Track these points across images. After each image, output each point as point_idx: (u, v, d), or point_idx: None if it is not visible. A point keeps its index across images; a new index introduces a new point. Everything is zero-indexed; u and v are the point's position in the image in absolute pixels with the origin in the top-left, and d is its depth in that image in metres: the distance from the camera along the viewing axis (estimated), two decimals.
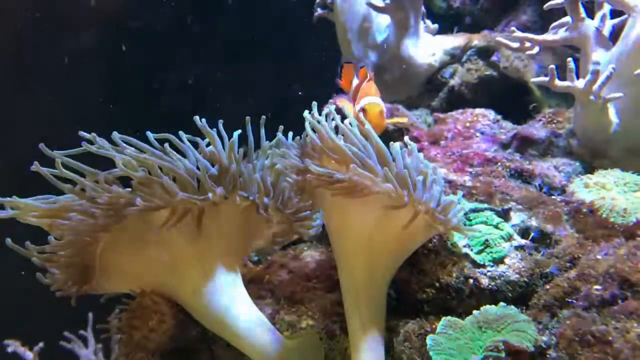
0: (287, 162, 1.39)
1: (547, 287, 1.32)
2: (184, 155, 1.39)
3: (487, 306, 1.27)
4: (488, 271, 1.37)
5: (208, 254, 1.41)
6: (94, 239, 1.34)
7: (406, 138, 1.35)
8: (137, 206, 1.29)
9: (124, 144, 1.38)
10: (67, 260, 1.35)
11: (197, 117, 1.40)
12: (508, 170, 1.69)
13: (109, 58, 2.81)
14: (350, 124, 1.35)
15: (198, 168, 1.37)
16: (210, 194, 1.34)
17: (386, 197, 1.25)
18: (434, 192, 1.27)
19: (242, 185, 1.39)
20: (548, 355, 1.17)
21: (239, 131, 1.43)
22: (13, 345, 2.19)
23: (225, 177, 1.37)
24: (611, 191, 1.45)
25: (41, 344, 2.22)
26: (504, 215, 1.48)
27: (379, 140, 1.33)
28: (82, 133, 1.36)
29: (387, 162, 1.30)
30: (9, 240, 1.36)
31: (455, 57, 2.40)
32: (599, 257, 1.28)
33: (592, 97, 1.67)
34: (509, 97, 2.29)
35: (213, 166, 1.39)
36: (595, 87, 1.65)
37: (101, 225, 1.32)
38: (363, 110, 1.49)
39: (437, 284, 1.38)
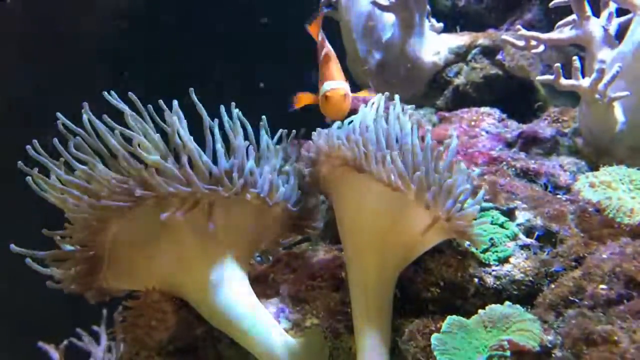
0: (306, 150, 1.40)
1: (553, 286, 1.32)
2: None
3: (493, 305, 1.26)
4: (493, 270, 1.37)
5: (216, 249, 1.41)
6: (106, 224, 1.35)
7: (447, 141, 1.35)
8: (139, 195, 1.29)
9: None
10: (77, 252, 1.36)
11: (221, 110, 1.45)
12: (513, 169, 1.68)
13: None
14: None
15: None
16: (221, 188, 1.34)
17: (410, 198, 1.25)
18: (459, 201, 1.26)
19: (254, 183, 1.40)
20: (554, 355, 1.16)
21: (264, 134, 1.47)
22: (44, 346, 2.20)
23: (238, 174, 1.38)
24: (617, 190, 1.44)
25: (65, 342, 2.23)
26: (509, 214, 1.47)
27: (416, 141, 1.32)
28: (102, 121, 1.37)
29: (416, 163, 1.29)
30: (13, 246, 1.37)
31: (460, 55, 2.39)
32: (604, 256, 1.27)
33: (597, 96, 1.66)
34: (514, 95, 2.28)
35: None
36: (600, 85, 1.64)
37: (113, 209, 1.32)
38: (325, 97, 1.43)
39: (442, 283, 1.37)
